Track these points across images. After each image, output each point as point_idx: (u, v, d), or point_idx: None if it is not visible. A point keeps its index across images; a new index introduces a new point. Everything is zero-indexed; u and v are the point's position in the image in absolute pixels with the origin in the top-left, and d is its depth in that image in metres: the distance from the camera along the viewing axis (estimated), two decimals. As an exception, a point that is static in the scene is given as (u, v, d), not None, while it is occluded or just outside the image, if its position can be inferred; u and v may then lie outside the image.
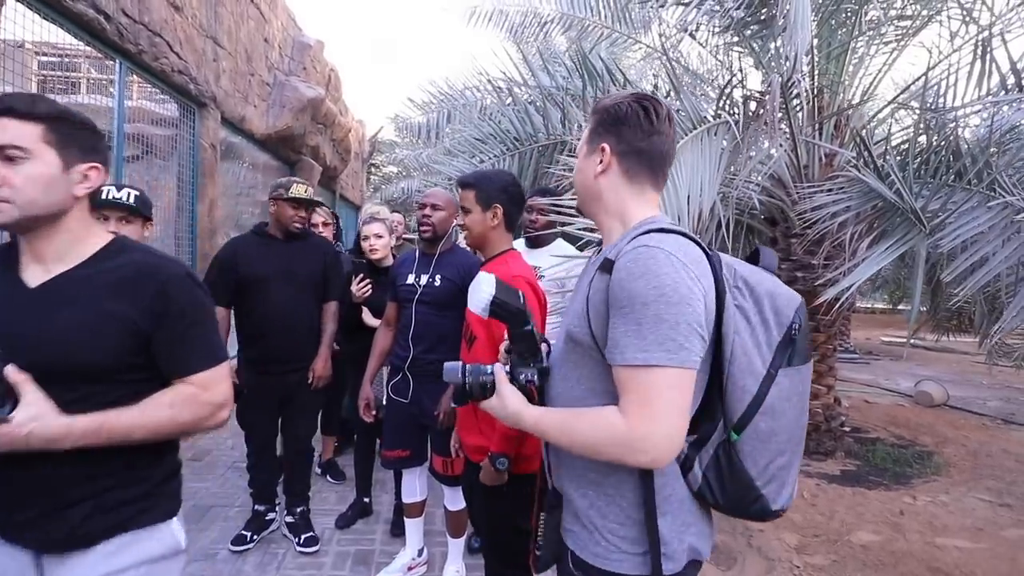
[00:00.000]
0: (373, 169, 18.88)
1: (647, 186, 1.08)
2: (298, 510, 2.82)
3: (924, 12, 4.21)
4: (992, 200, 2.07)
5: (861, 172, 2.52)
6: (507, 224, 1.88)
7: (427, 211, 2.36)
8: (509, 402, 1.05)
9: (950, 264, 2.19)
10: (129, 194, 1.78)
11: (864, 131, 4.11)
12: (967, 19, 3.55)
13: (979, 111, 2.86)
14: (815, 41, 4.36)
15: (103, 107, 3.41)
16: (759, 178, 4.15)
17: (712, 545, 1.07)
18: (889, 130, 3.96)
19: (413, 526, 2.61)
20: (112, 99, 3.38)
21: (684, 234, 0.99)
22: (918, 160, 2.59)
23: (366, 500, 3.12)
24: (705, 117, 2.89)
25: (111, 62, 3.34)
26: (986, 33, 3.35)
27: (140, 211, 1.81)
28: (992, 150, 2.35)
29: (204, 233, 4.33)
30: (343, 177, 9.68)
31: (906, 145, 3.00)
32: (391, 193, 12.21)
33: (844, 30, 4.27)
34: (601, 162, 1.06)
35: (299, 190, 2.65)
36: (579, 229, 2.26)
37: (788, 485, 1.02)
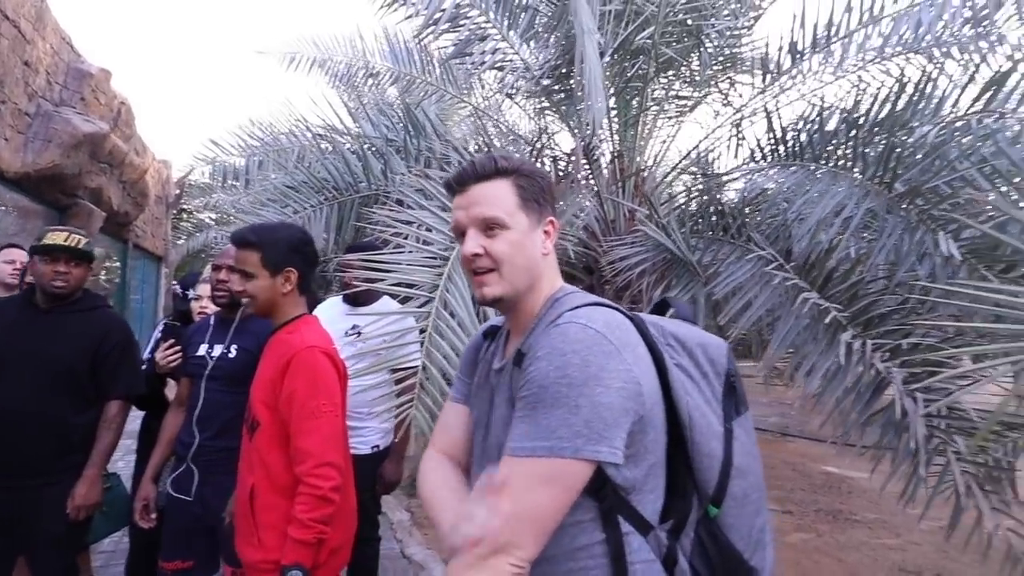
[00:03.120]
0: (184, 215, 16.83)
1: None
2: None
3: (696, 94, 5.00)
4: (750, 253, 2.43)
5: (650, 229, 2.82)
6: (299, 288, 1.68)
7: (222, 274, 2.05)
8: None
9: (723, 307, 2.50)
10: None
11: (656, 191, 4.68)
12: (725, 103, 4.28)
13: (738, 177, 3.43)
14: (613, 110, 4.93)
15: None
16: (574, 230, 4.47)
17: None
18: (671, 192, 4.55)
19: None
20: None
21: (600, 303, 0.90)
22: (695, 218, 2.97)
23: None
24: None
25: None
26: (739, 115, 4.07)
27: None
28: (747, 210, 2.78)
29: (-87, 295, 3.32)
30: (139, 224, 8.42)
31: (688, 205, 3.45)
32: (203, 241, 10.92)
33: (636, 102, 4.88)
34: (549, 239, 0.96)
35: (55, 237, 2.04)
36: (391, 285, 2.15)
37: (769, 547, 0.94)
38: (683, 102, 5.13)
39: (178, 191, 11.56)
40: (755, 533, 0.90)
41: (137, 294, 9.31)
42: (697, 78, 4.76)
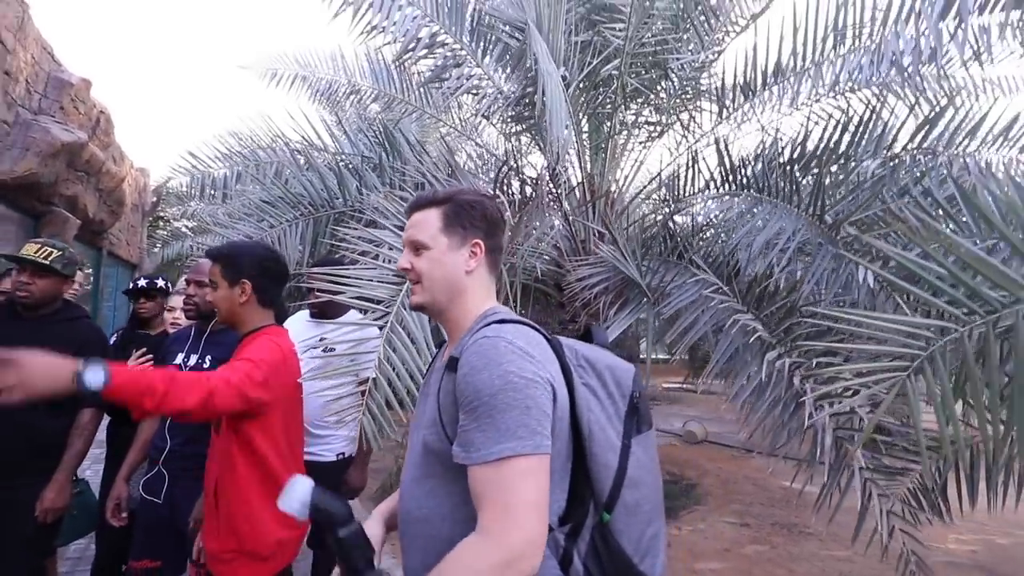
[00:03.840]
0: (161, 223, 16.65)
1: (494, 279, 1.12)
2: None
3: (665, 119, 5.24)
4: (696, 276, 2.62)
5: (605, 251, 3.00)
6: (260, 300, 1.79)
7: (191, 289, 2.18)
8: None
9: (671, 327, 2.68)
10: None
11: (624, 214, 4.89)
12: (685, 133, 4.52)
13: (693, 205, 3.64)
14: (585, 134, 5.14)
15: None
16: (547, 248, 4.64)
17: None
18: (638, 214, 4.75)
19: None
20: None
21: (523, 322, 1.00)
22: (652, 241, 3.16)
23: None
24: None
25: None
26: (698, 144, 4.31)
27: None
28: (698, 236, 2.99)
29: None
30: (114, 232, 8.39)
31: (648, 229, 3.64)
32: (179, 250, 10.85)
33: (606, 127, 5.09)
34: (474, 258, 1.06)
35: (27, 249, 2.13)
36: (352, 298, 2.28)
37: (660, 554, 1.01)
38: (653, 128, 5.37)
39: (155, 199, 11.49)
40: (645, 541, 0.98)
41: (110, 301, 9.23)
42: (664, 105, 5.01)
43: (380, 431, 2.00)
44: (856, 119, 3.34)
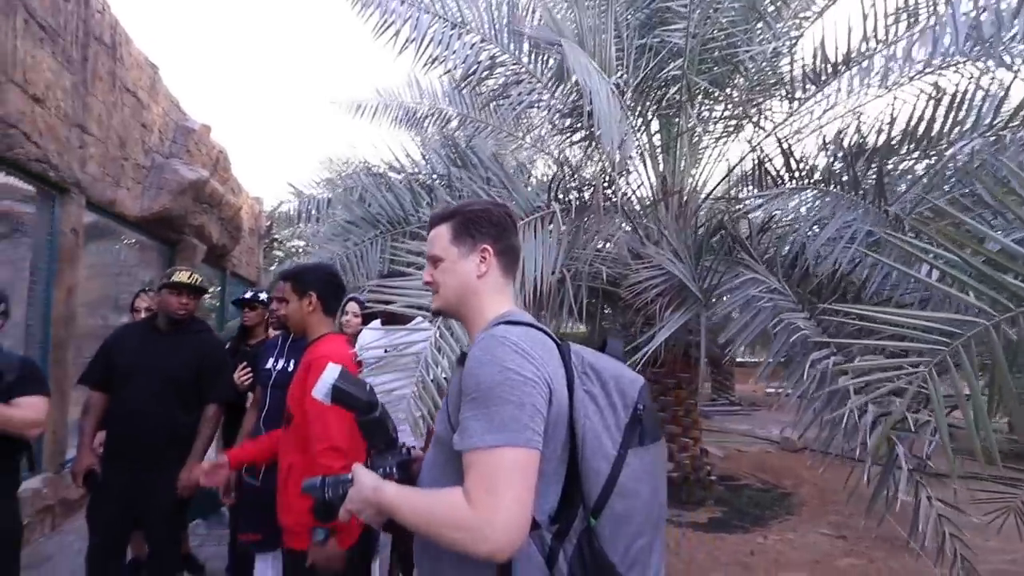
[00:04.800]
0: (276, 244, 18.44)
1: (510, 280, 1.18)
2: None
3: (739, 112, 5.06)
4: (752, 274, 2.58)
5: (656, 253, 3.01)
6: (324, 310, 2.05)
7: (274, 305, 2.55)
8: (365, 483, 1.02)
9: (728, 327, 2.66)
10: None
11: (698, 211, 4.79)
12: (757, 127, 4.37)
13: (762, 205, 3.53)
14: (655, 134, 5.11)
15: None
16: (614, 251, 4.67)
17: None
18: (702, 213, 4.64)
19: (270, 614, 2.55)
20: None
21: (533, 325, 1.05)
22: (712, 240, 3.12)
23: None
24: (538, 206, 3.31)
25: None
26: (768, 137, 4.15)
27: None
28: (763, 233, 2.91)
29: (59, 320, 4.13)
30: (235, 254, 9.47)
31: (713, 231, 3.58)
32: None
33: (676, 124, 4.98)
34: (484, 263, 1.12)
35: (181, 276, 2.63)
36: (402, 307, 2.51)
37: (651, 568, 1.01)
38: (727, 123, 5.21)
39: (268, 223, 12.78)
40: (634, 551, 0.99)
41: (233, 317, 10.42)
42: (737, 100, 4.85)
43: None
44: (949, 96, 3.06)
